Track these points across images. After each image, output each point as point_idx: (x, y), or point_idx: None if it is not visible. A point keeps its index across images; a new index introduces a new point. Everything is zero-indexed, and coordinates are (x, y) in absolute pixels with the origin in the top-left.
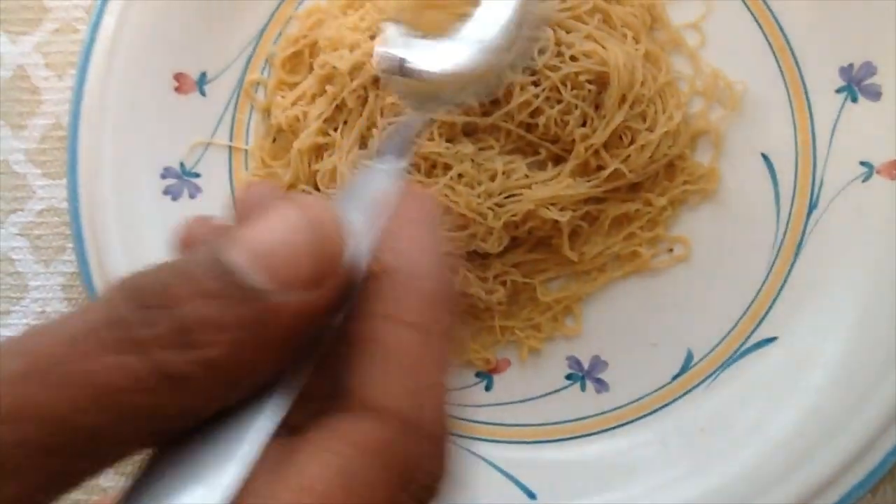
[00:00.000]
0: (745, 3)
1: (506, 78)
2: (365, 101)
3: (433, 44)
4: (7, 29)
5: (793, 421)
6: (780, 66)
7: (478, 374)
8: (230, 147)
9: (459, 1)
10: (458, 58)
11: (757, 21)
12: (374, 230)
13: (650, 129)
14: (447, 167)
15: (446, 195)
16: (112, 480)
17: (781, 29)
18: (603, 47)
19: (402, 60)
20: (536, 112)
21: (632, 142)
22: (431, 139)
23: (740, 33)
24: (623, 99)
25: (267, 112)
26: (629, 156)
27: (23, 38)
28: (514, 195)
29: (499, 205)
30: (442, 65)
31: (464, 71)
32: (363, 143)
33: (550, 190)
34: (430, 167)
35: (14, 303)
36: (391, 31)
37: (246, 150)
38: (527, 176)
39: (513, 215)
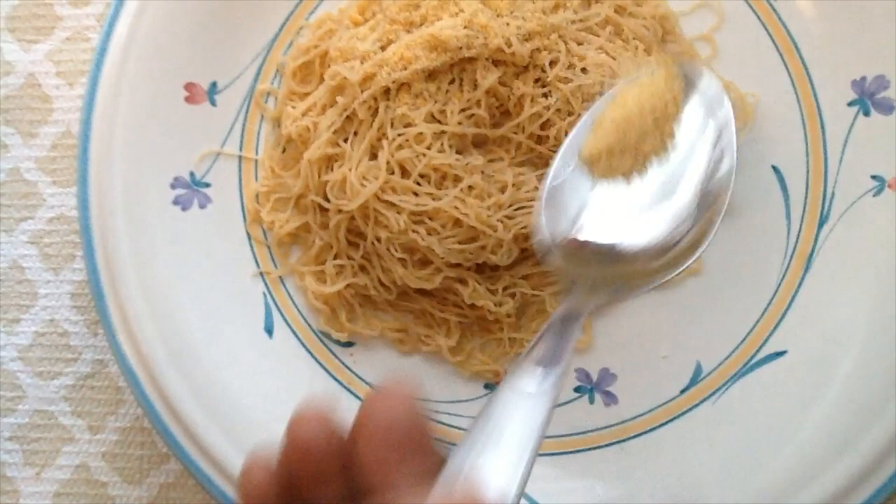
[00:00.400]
0: (757, 16)
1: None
2: (375, 112)
3: (627, 214)
4: (19, 37)
5: (802, 436)
6: (791, 79)
7: (486, 386)
8: (240, 157)
9: (656, 142)
10: (665, 227)
11: (769, 33)
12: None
13: None
14: (457, 179)
15: (456, 207)
16: (121, 489)
17: (794, 41)
18: (614, 59)
19: (612, 246)
20: (547, 124)
21: None
22: (441, 150)
23: (752, 45)
24: None
25: (277, 122)
26: None
27: (34, 47)
28: (523, 207)
29: (509, 217)
30: (650, 238)
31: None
32: (373, 154)
33: None
34: (441, 179)
35: (24, 311)
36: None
37: (256, 160)
38: (537, 188)
39: (523, 227)
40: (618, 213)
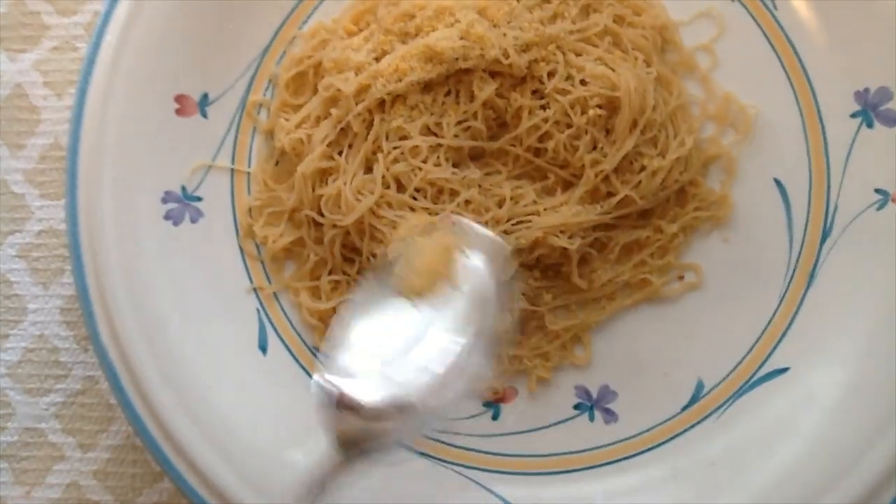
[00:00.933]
0: (758, 25)
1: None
2: (370, 124)
3: (376, 372)
4: (6, 46)
5: (806, 454)
6: (794, 90)
7: (485, 404)
8: (232, 170)
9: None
10: (410, 389)
11: (771, 43)
12: None
13: (661, 155)
14: (454, 193)
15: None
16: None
17: (796, 51)
18: (613, 71)
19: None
20: (545, 136)
21: (643, 168)
22: (438, 164)
23: (753, 56)
24: (634, 124)
25: (270, 134)
26: (640, 182)
27: (21, 56)
28: (522, 221)
29: (507, 231)
30: (387, 396)
31: (414, 404)
32: (368, 167)
33: (559, 216)
34: (437, 193)
35: (12, 326)
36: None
37: (249, 173)
38: (535, 202)
39: (521, 242)
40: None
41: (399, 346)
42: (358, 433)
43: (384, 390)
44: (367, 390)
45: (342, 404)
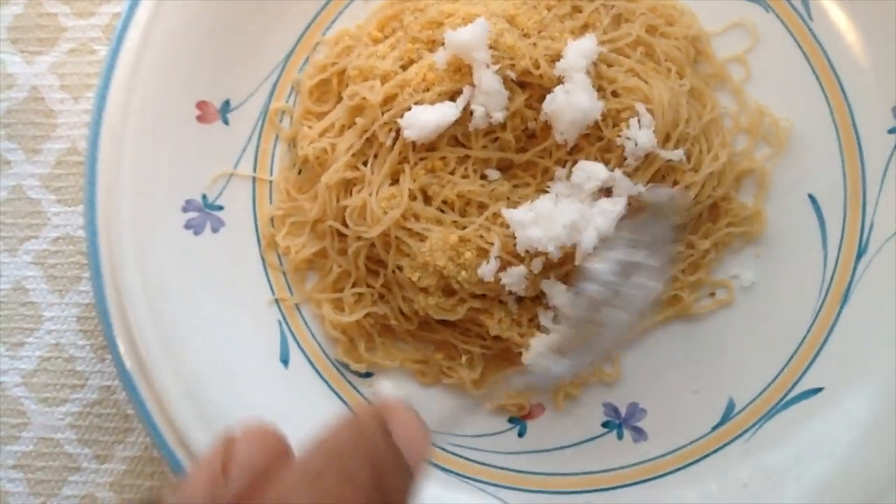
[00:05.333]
0: (793, 37)
1: None
2: (397, 134)
3: None
4: (21, 48)
5: (840, 475)
6: (829, 103)
7: (511, 420)
8: (254, 178)
9: None
10: None
11: (805, 55)
12: None
13: (694, 170)
14: (482, 206)
15: (481, 236)
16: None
17: (831, 64)
18: (646, 83)
19: None
20: (575, 149)
21: (675, 182)
22: (465, 176)
23: (787, 67)
24: (667, 138)
25: (292, 142)
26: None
27: (38, 58)
28: None
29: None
30: None
31: None
32: (394, 178)
33: None
34: (465, 206)
35: (28, 334)
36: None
37: (271, 182)
38: None
39: (550, 256)
40: None
41: None
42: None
43: None
44: None
45: None
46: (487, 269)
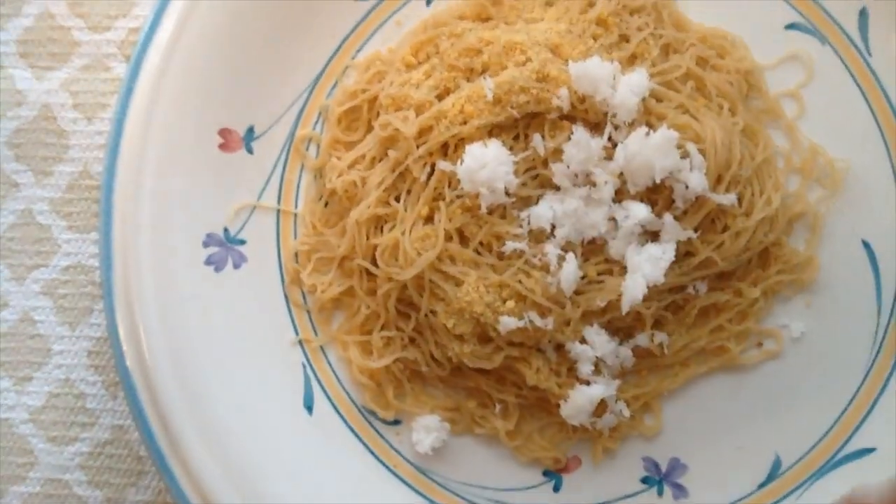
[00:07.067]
0: (850, 72)
1: None
2: (432, 169)
3: None
4: (32, 63)
5: None
6: (886, 144)
7: (545, 473)
8: (278, 211)
9: None
10: None
11: (863, 92)
12: None
13: (746, 214)
14: (520, 251)
15: (520, 281)
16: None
17: (890, 101)
18: (697, 120)
19: None
20: (620, 190)
21: (725, 227)
22: (503, 216)
23: (844, 105)
24: (719, 179)
25: (319, 172)
26: (723, 242)
27: (49, 75)
28: (593, 281)
29: (578, 292)
30: None
31: None
32: (428, 216)
33: None
34: (502, 252)
35: (36, 368)
36: None
37: (296, 215)
38: (607, 260)
39: (593, 304)
40: None
41: None
42: None
43: None
44: None
45: None
46: (509, 321)
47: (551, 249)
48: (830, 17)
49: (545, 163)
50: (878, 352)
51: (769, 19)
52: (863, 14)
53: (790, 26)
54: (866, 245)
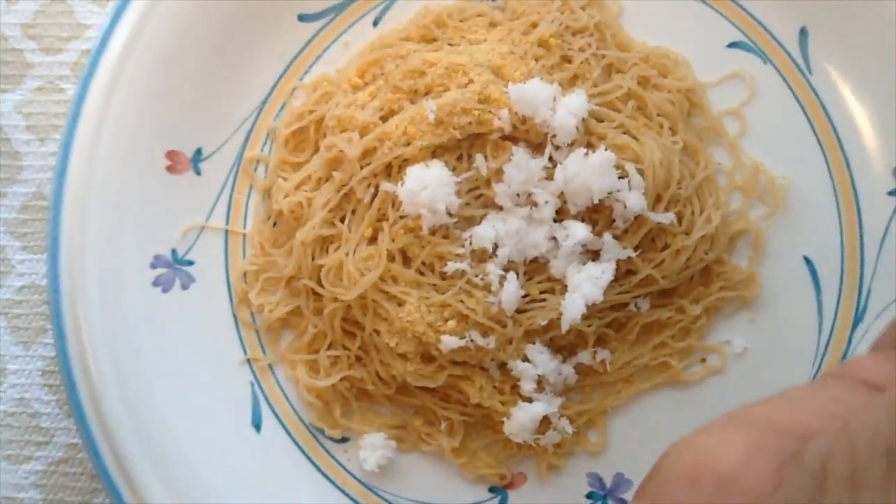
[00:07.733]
0: (791, 91)
1: None
2: (376, 190)
3: None
4: None
5: None
6: (827, 162)
7: (491, 490)
8: (227, 231)
9: None
10: None
11: (804, 111)
12: None
13: (686, 232)
14: (462, 271)
15: (461, 301)
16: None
17: (831, 121)
18: (637, 140)
19: None
20: (562, 209)
21: (666, 246)
22: (446, 236)
23: (785, 123)
24: (658, 198)
25: (267, 192)
26: (663, 260)
27: (2, 97)
28: (535, 300)
29: (520, 311)
30: None
31: None
32: (373, 237)
33: None
34: (444, 272)
35: None
36: None
37: (244, 235)
38: (549, 279)
39: (535, 323)
40: None
41: None
42: None
43: None
44: None
45: None
46: (450, 341)
47: (493, 269)
48: (772, 35)
49: (488, 183)
50: (819, 366)
51: (712, 38)
52: (803, 33)
53: (732, 45)
54: (808, 261)
